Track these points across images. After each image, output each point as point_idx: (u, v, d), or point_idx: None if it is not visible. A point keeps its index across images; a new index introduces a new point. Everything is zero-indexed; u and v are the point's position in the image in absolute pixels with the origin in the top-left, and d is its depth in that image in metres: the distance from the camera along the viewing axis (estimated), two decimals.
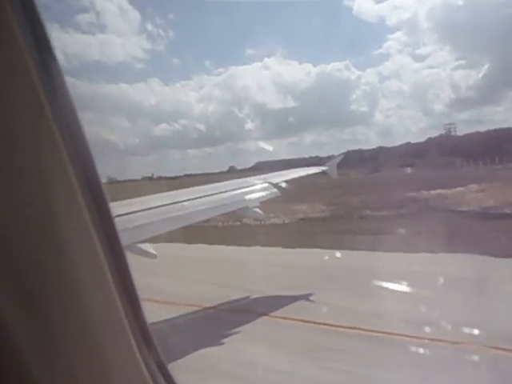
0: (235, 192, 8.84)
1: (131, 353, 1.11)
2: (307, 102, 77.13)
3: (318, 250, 13.01)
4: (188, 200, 7.65)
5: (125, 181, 32.96)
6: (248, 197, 8.89)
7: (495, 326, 6.51)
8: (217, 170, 48.77)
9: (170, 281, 10.79)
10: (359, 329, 7.28)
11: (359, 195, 27.18)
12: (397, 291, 7.92)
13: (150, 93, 78.28)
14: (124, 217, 6.00)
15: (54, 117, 0.92)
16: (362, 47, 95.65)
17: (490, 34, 64.73)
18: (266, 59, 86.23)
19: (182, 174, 48.05)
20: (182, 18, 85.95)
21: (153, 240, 16.92)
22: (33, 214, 0.91)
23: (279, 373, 6.01)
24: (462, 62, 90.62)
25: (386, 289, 7.95)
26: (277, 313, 8.30)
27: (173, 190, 9.04)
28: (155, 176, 43.22)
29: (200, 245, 15.83)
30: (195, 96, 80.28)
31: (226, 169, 51.49)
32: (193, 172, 49.77)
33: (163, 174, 45.25)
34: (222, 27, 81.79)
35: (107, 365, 1.07)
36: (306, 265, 11.76)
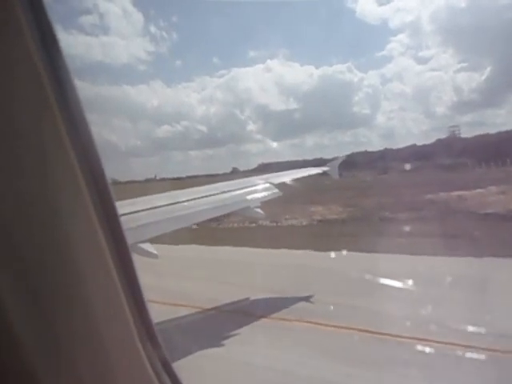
0: (236, 192, 8.82)
1: (136, 351, 1.11)
2: (309, 104, 76.89)
3: (357, 254, 12.38)
4: (189, 200, 7.57)
5: (128, 182, 32.85)
6: (249, 197, 8.86)
7: None
8: (220, 172, 48.70)
9: (237, 290, 10.07)
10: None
11: (373, 197, 26.70)
12: (479, 301, 7.41)
13: (153, 94, 78.02)
14: (126, 216, 5.93)
15: (61, 116, 0.92)
16: (364, 49, 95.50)
17: (493, 37, 64.73)
18: (268, 61, 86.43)
19: (184, 176, 48.04)
20: (185, 20, 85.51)
21: (173, 241, 16.41)
22: (39, 213, 0.91)
23: None
24: (465, 64, 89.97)
25: (468, 297, 7.46)
26: None
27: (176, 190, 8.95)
28: (158, 177, 43.33)
29: (225, 247, 15.27)
30: (197, 98, 79.92)
31: (229, 170, 51.37)
32: (196, 173, 49.47)
33: (166, 176, 45.20)
34: (225, 29, 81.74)
35: (112, 363, 1.07)
36: (360, 270, 10.61)
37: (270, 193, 9.40)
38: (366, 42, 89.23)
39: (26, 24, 0.85)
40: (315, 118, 77.98)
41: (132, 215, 6.13)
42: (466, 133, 53.80)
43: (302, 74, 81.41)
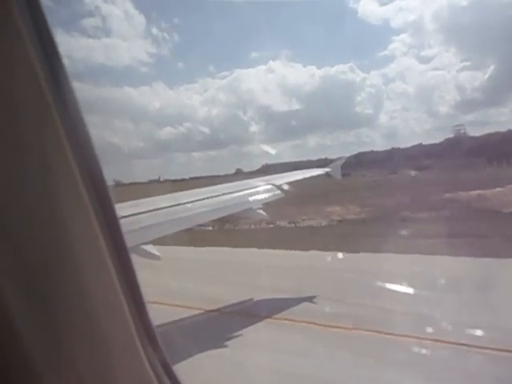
0: (238, 194, 8.86)
1: (136, 352, 1.12)
2: (312, 104, 76.98)
3: (397, 256, 11.96)
4: (191, 202, 7.57)
5: (131, 184, 32.72)
6: (251, 198, 8.89)
7: None
8: (223, 173, 48.65)
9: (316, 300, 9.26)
10: None
11: (388, 196, 26.38)
12: None
13: (155, 96, 77.96)
14: (130, 218, 5.98)
15: (60, 118, 0.92)
16: (366, 49, 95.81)
17: (496, 36, 64.85)
18: (270, 62, 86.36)
19: (188, 177, 47.96)
20: (186, 22, 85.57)
21: (195, 243, 16.01)
22: (38, 215, 0.91)
23: None
24: (468, 63, 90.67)
25: None
26: None
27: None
28: (162, 179, 43.32)
29: (252, 249, 14.85)
30: (200, 99, 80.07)
31: (232, 171, 51.27)
32: (199, 175, 49.48)
33: (169, 177, 45.25)
34: (227, 30, 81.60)
35: (112, 364, 1.07)
36: (415, 273, 10.09)
37: (271, 194, 9.44)
38: (368, 41, 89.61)
39: (23, 25, 0.85)
40: (318, 118, 78.17)
41: (136, 217, 6.17)
42: (470, 132, 53.45)
43: (304, 75, 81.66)
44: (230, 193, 8.75)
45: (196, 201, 7.74)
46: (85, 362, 1.01)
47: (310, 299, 9.20)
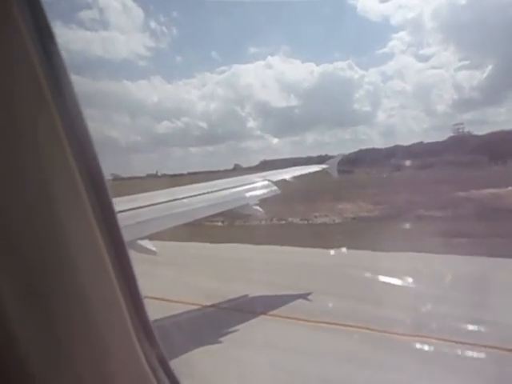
0: (235, 189, 8.89)
1: (133, 348, 1.12)
2: (310, 100, 76.70)
3: (424, 255, 11.66)
4: (188, 197, 7.58)
5: (129, 178, 32.34)
6: (248, 194, 8.96)
7: None
8: (221, 168, 48.51)
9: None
10: None
11: (397, 194, 26.16)
12: None
13: (153, 90, 77.11)
14: (128, 212, 6.01)
15: (58, 113, 0.92)
16: (365, 46, 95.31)
17: (494, 35, 64.92)
18: (269, 58, 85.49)
19: (186, 172, 47.68)
20: (185, 16, 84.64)
21: (212, 240, 15.55)
22: (36, 211, 0.91)
23: None
24: (466, 62, 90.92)
25: None
26: None
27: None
28: (160, 173, 43.20)
29: (273, 246, 14.45)
30: (198, 94, 79.25)
31: (230, 167, 50.98)
32: (197, 170, 49.20)
33: (167, 172, 45.10)
34: (226, 25, 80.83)
35: (109, 359, 1.07)
36: (451, 273, 9.84)
37: (268, 190, 9.48)
38: (367, 39, 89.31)
39: (23, 23, 0.85)
40: (316, 115, 77.90)
41: (133, 211, 6.24)
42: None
43: (302, 71, 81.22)
44: (227, 188, 8.76)
45: (193, 196, 7.75)
46: (82, 357, 1.01)
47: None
